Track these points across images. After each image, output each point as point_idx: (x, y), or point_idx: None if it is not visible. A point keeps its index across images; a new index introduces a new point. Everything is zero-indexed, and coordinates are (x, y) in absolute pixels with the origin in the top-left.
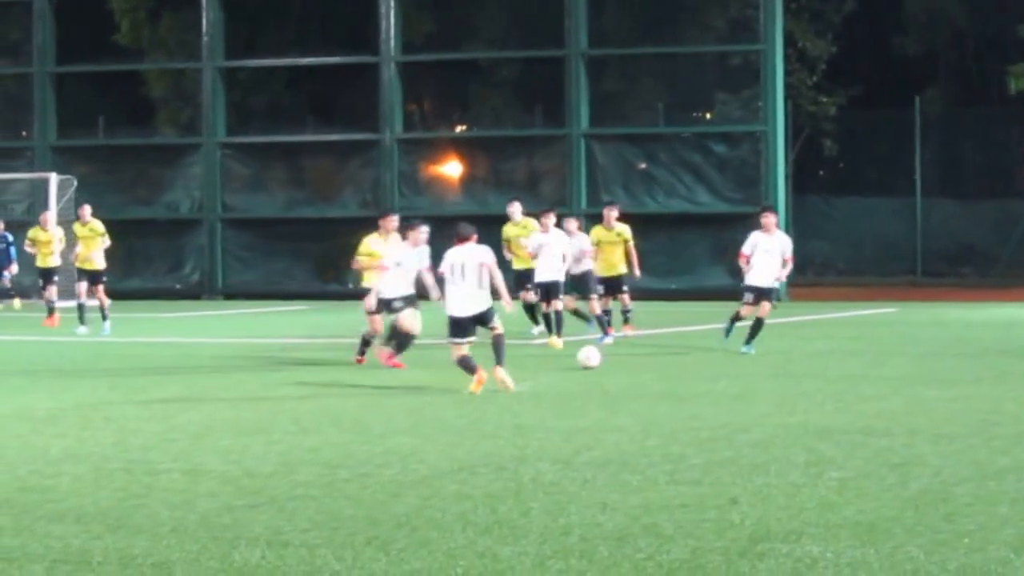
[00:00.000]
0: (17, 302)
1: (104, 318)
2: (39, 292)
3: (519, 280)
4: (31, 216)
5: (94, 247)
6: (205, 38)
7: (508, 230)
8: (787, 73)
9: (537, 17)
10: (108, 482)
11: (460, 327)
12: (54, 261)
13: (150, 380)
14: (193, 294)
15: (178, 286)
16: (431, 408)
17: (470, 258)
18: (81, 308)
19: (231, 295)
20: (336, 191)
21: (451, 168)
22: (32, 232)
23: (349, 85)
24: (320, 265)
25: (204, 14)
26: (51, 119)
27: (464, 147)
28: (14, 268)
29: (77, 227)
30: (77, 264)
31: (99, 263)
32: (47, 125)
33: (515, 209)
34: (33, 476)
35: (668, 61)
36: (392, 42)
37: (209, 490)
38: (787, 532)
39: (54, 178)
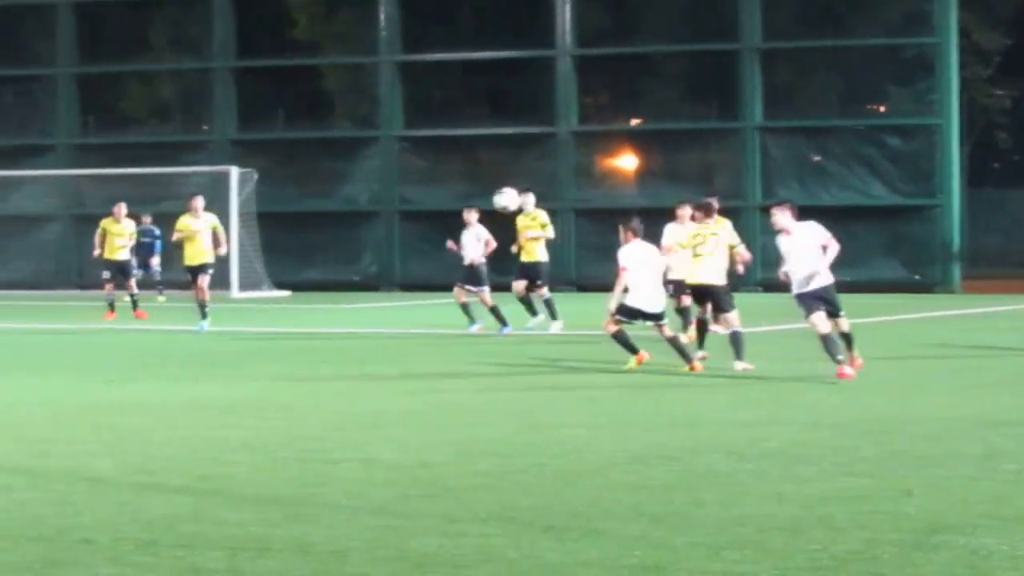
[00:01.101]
0: (161, 297)
1: (203, 316)
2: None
3: (524, 272)
4: (214, 208)
5: (205, 241)
6: (382, 32)
7: (520, 221)
8: (961, 66)
9: (708, 11)
10: (285, 470)
11: (636, 316)
12: (124, 255)
13: (326, 370)
14: (371, 286)
15: (356, 278)
16: (605, 400)
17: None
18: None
19: (408, 287)
20: (511, 184)
21: (625, 161)
22: (105, 222)
23: (524, 78)
24: (495, 257)
25: (381, 8)
26: (231, 113)
27: (638, 140)
28: (155, 260)
29: (189, 219)
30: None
31: (209, 257)
32: (227, 119)
33: (528, 200)
34: (212, 464)
35: (841, 54)
36: (568, 36)
37: (385, 479)
38: (962, 524)
39: (234, 171)
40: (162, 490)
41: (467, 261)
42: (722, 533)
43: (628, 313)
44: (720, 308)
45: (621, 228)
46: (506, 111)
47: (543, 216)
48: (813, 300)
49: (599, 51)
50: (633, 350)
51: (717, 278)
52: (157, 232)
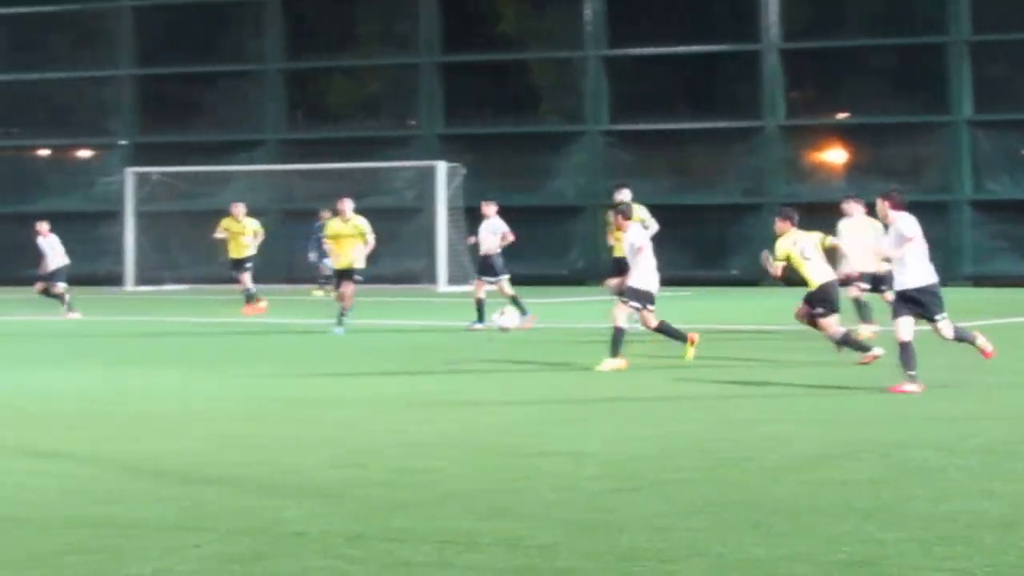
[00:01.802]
0: (319, 291)
1: (340, 322)
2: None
3: (619, 269)
4: (421, 203)
5: (353, 245)
6: (588, 27)
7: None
8: None
9: (917, 3)
10: (492, 465)
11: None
12: (250, 251)
13: (532, 364)
14: (578, 280)
15: (564, 272)
16: (807, 396)
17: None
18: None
19: None
20: (718, 178)
21: (833, 155)
22: (225, 221)
23: (731, 72)
24: (702, 252)
25: (587, 3)
26: (437, 108)
27: (846, 134)
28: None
29: (338, 223)
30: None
31: (357, 263)
32: (434, 114)
33: (624, 196)
34: (421, 458)
35: None
36: (774, 29)
37: (593, 473)
38: None
39: (441, 166)
40: (371, 484)
41: (482, 252)
42: (932, 529)
43: (643, 297)
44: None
45: (612, 214)
46: (712, 105)
47: (642, 212)
48: (902, 302)
49: (806, 45)
50: (616, 352)
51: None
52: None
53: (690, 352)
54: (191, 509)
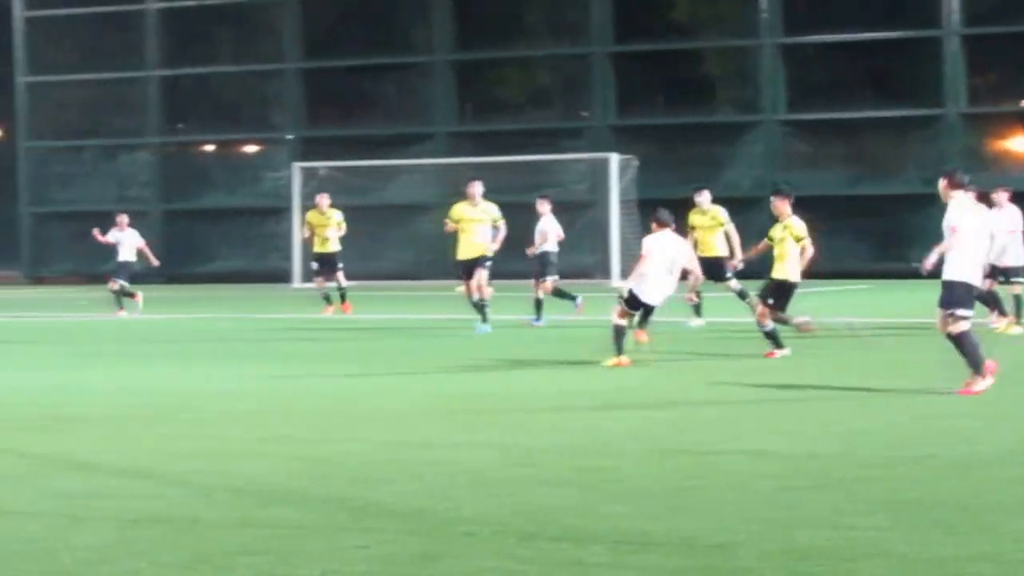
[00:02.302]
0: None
1: (484, 318)
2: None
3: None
4: (593, 196)
5: (482, 232)
6: (763, 14)
7: (694, 218)
8: None
9: None
10: (669, 462)
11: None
12: (334, 246)
13: (707, 359)
14: (755, 272)
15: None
16: (992, 391)
17: None
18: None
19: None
20: (897, 167)
21: (1017, 143)
22: (310, 215)
23: (910, 59)
24: (880, 243)
25: None
26: (610, 99)
27: None
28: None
29: (466, 208)
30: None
31: (486, 251)
32: (606, 105)
33: (704, 197)
34: (596, 456)
35: None
36: (955, 15)
37: (770, 471)
38: None
39: (614, 158)
40: (545, 482)
41: (543, 250)
42: None
43: (633, 303)
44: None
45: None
46: (891, 93)
47: (721, 214)
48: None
49: (988, 30)
50: (619, 350)
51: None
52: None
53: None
54: (361, 509)
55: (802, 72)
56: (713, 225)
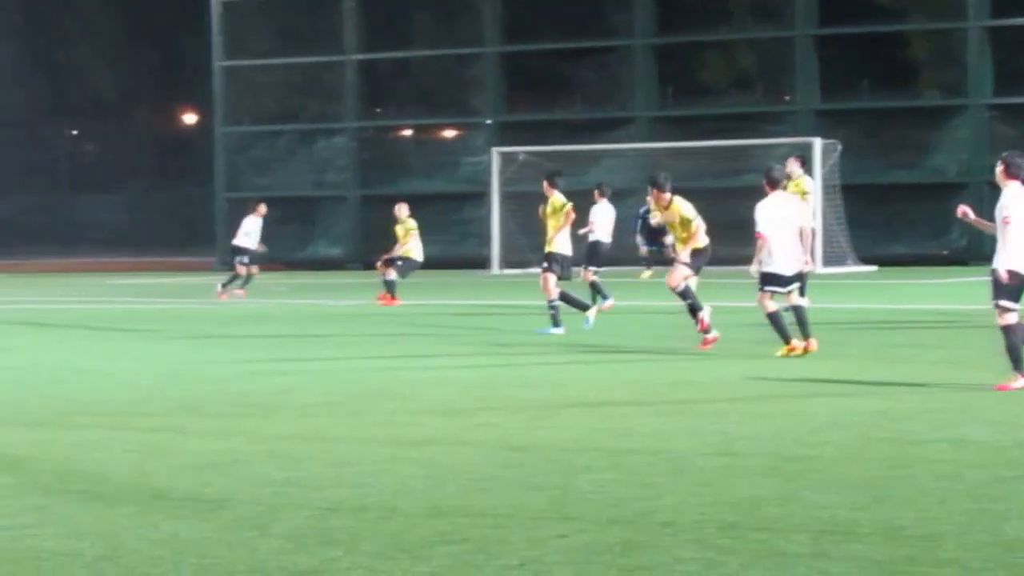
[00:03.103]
0: (647, 273)
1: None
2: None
3: None
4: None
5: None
6: None
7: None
8: None
9: None
10: (872, 451)
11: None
12: (400, 249)
13: (915, 348)
14: (960, 260)
15: (944, 252)
16: None
17: None
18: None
19: None
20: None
21: None
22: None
23: None
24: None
25: None
26: (813, 82)
27: None
28: (669, 238)
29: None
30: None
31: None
32: (809, 89)
33: (795, 168)
34: (797, 444)
35: None
36: None
37: (977, 460)
38: None
39: (817, 143)
40: (745, 471)
41: (594, 238)
42: None
43: (770, 280)
44: None
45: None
46: None
47: (806, 183)
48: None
49: None
50: (786, 338)
51: None
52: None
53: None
54: (560, 498)
55: (1009, 55)
56: None
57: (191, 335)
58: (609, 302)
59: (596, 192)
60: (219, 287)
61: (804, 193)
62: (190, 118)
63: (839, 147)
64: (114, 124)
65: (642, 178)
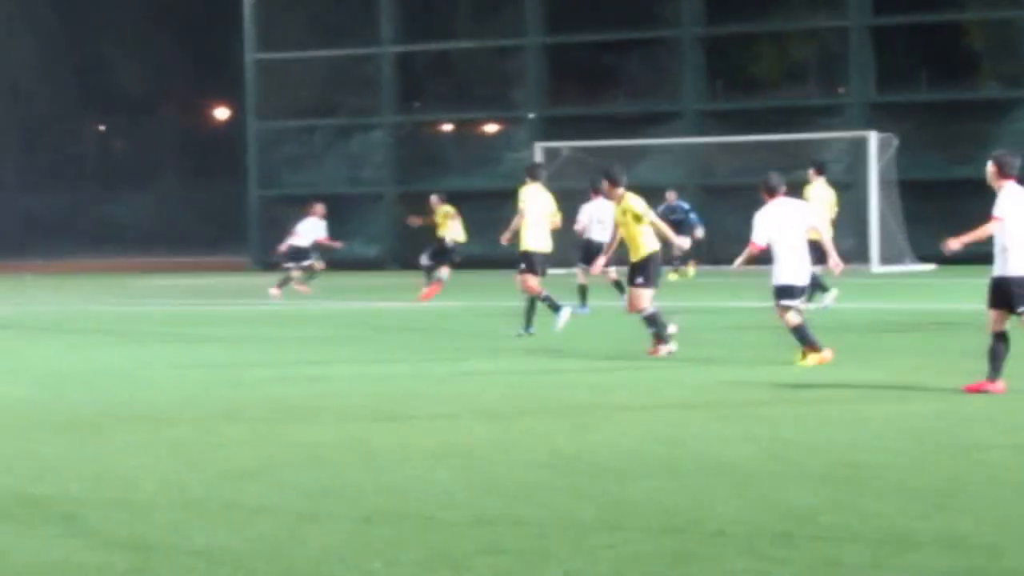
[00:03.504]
0: (691, 268)
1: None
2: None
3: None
4: (851, 177)
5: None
6: None
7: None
8: None
9: None
10: (931, 458)
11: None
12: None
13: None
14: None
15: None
16: None
17: None
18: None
19: None
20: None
21: None
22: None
23: None
24: None
25: None
26: (869, 74)
27: None
28: (699, 232)
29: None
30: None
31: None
32: (865, 80)
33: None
34: (854, 450)
35: None
36: None
37: None
38: None
39: (873, 137)
40: (800, 479)
41: (589, 236)
42: None
43: (786, 293)
44: None
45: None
46: None
47: (813, 189)
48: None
49: None
50: (814, 346)
51: None
52: (687, 207)
53: None
54: (609, 507)
55: None
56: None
57: (224, 338)
58: (579, 311)
59: (592, 191)
60: (273, 289)
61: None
62: (222, 113)
63: (895, 141)
64: (143, 120)
65: (690, 175)
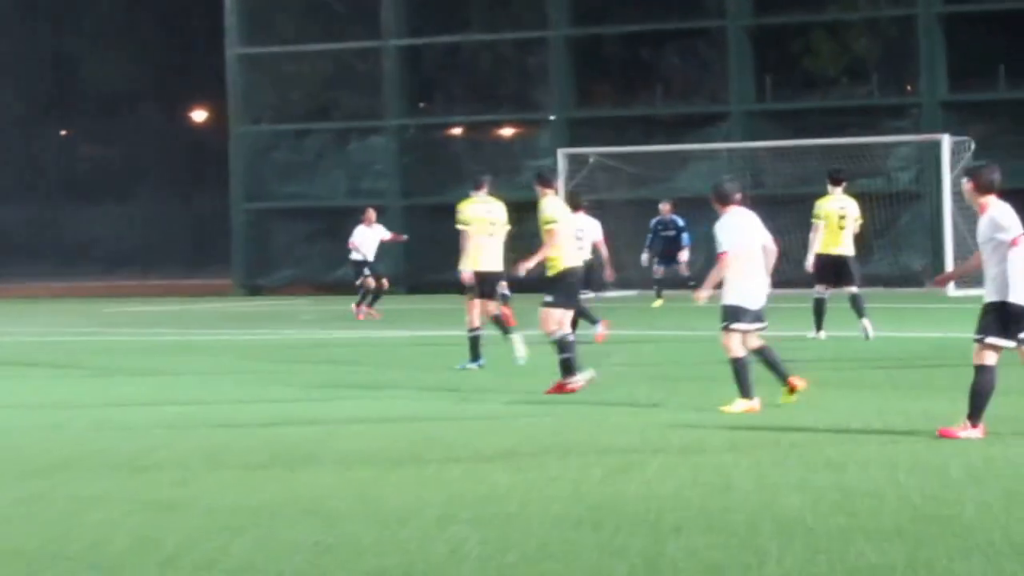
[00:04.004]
0: (658, 301)
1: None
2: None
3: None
4: (921, 186)
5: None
6: None
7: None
8: None
9: None
10: (1019, 510)
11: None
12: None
13: None
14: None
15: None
16: None
17: None
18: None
19: None
20: None
21: None
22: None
23: None
24: None
25: None
26: (940, 70)
27: None
28: (684, 255)
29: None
30: None
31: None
32: (935, 77)
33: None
34: (933, 502)
35: None
36: None
37: None
38: None
39: (946, 140)
40: (867, 533)
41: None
42: None
43: (736, 316)
44: None
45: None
46: None
47: (822, 206)
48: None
49: None
50: (747, 391)
51: None
52: (681, 223)
53: None
54: (645, 565)
55: None
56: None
57: (207, 371)
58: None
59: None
60: (353, 306)
61: (815, 217)
62: (200, 115)
63: (972, 145)
64: (114, 123)
65: (738, 183)
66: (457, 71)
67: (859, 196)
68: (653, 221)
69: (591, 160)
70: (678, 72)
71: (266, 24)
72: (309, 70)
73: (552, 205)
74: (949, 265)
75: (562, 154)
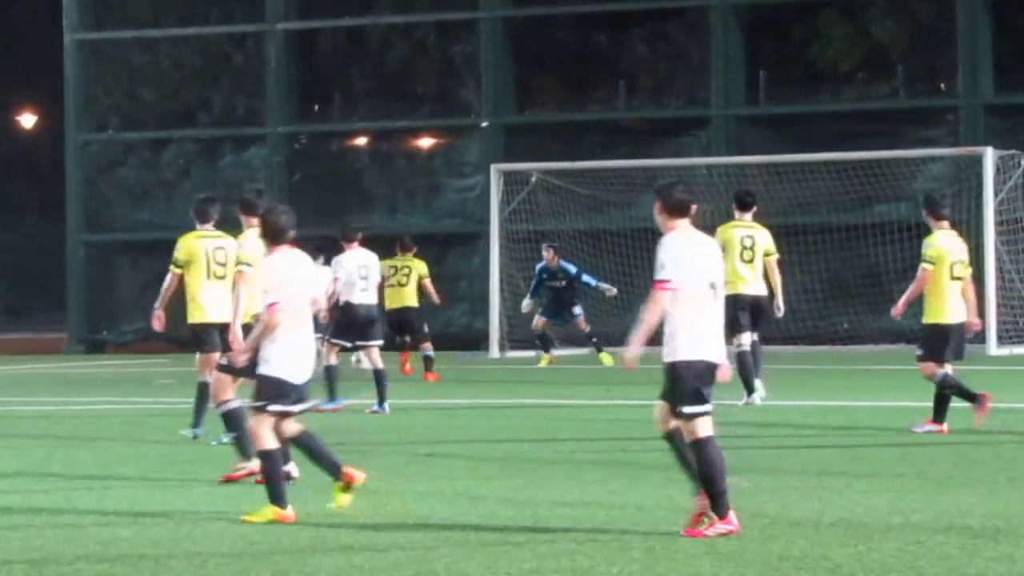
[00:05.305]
0: (545, 359)
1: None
2: None
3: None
4: (956, 213)
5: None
6: None
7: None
8: None
9: None
10: None
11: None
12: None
13: None
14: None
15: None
16: None
17: None
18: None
19: None
20: None
21: None
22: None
23: None
24: None
25: None
26: (984, 67)
27: None
28: (577, 309)
29: None
30: None
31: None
32: (978, 74)
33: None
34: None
35: None
36: None
37: None
38: None
39: (989, 153)
40: None
41: None
42: None
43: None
44: None
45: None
46: None
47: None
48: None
49: None
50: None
51: None
52: (574, 270)
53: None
54: None
55: None
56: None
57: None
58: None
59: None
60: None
61: (767, 254)
62: (28, 120)
63: (1022, 161)
64: None
65: (722, 207)
66: (361, 63)
67: (879, 228)
68: (538, 267)
69: (532, 179)
70: (646, 65)
71: (115, 2)
72: (169, 62)
73: (253, 243)
74: (992, 317)
75: (496, 170)
